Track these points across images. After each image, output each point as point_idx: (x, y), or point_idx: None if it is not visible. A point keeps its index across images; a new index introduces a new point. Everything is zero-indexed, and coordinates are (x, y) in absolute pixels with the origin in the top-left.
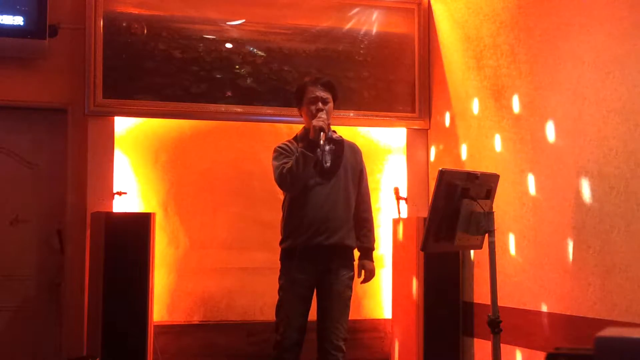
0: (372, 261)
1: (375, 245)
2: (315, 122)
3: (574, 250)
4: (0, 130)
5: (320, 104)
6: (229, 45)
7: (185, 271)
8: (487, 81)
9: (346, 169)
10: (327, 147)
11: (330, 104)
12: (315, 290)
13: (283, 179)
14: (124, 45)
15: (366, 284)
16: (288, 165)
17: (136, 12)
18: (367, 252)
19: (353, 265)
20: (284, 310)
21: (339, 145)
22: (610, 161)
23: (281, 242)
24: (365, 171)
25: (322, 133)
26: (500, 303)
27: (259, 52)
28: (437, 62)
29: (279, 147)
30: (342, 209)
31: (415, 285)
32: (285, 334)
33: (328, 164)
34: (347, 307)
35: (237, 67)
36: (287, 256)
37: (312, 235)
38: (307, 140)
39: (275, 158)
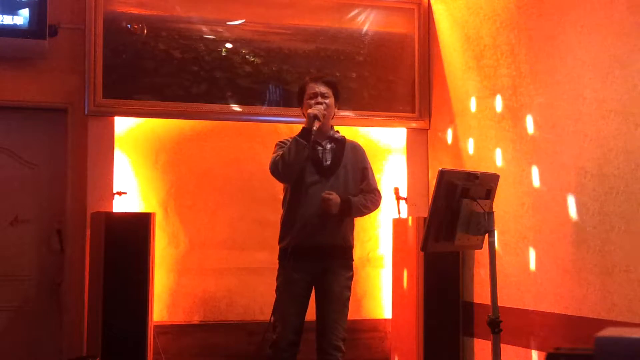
0: (339, 203)
1: (375, 245)
2: (310, 110)
3: (574, 250)
4: (0, 130)
5: (319, 98)
6: (229, 45)
7: (185, 271)
8: (487, 81)
9: (346, 168)
10: (327, 146)
11: (331, 99)
12: (313, 290)
13: (275, 166)
14: (124, 45)
15: (367, 285)
16: (281, 153)
17: (136, 12)
18: (346, 199)
19: (352, 265)
20: (280, 309)
21: (340, 144)
22: (610, 161)
23: (279, 241)
24: (370, 169)
25: (315, 121)
26: (500, 303)
27: (254, 58)
28: (437, 62)
29: (280, 141)
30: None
31: (415, 285)
32: (281, 334)
33: (328, 162)
34: (346, 307)
35: (237, 67)
36: (285, 255)
37: (309, 233)
38: (302, 128)
39: (274, 152)
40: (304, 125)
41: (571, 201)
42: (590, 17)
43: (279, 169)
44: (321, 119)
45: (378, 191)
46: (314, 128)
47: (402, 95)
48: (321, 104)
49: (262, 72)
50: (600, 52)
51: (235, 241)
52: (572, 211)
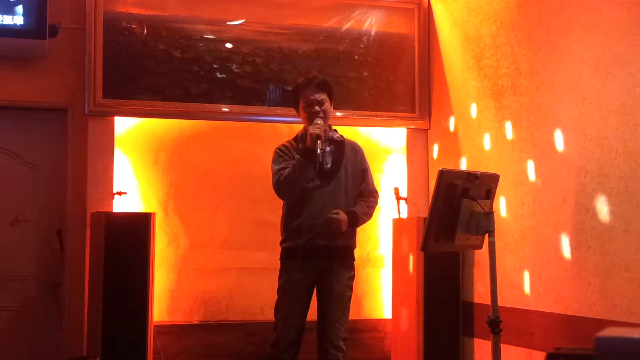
0: (347, 221)
1: (375, 245)
2: (311, 130)
3: (574, 250)
4: (0, 130)
5: (316, 107)
6: (229, 45)
7: (185, 271)
8: (487, 81)
9: (347, 170)
10: (327, 148)
11: (327, 104)
12: (315, 290)
13: (280, 186)
14: (124, 45)
15: (367, 285)
16: (285, 173)
17: (136, 12)
18: (351, 213)
19: (354, 265)
20: (282, 309)
21: (340, 145)
22: (610, 161)
23: (282, 242)
24: (369, 170)
25: (318, 140)
26: (500, 303)
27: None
28: (437, 62)
29: (279, 149)
30: (344, 210)
31: (415, 285)
32: (283, 334)
33: (329, 165)
34: (347, 307)
35: (237, 67)
36: (288, 256)
37: (313, 236)
38: (304, 147)
39: (274, 161)
40: (307, 144)
41: (571, 201)
42: (590, 17)
43: (284, 190)
44: (323, 137)
45: (376, 192)
46: (318, 149)
47: (402, 95)
48: (318, 112)
49: (262, 72)
50: (600, 52)
51: (235, 241)
52: (572, 211)
